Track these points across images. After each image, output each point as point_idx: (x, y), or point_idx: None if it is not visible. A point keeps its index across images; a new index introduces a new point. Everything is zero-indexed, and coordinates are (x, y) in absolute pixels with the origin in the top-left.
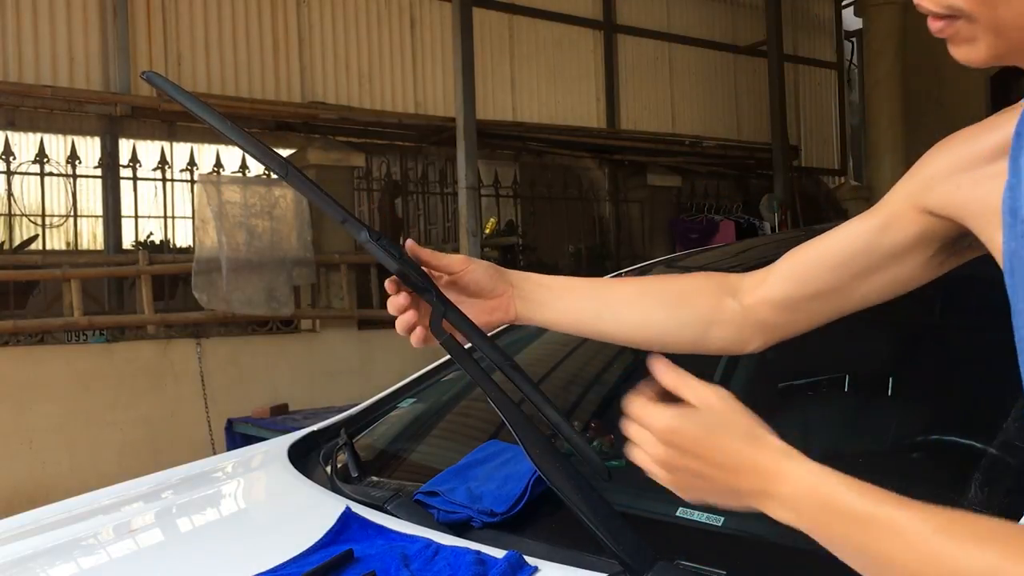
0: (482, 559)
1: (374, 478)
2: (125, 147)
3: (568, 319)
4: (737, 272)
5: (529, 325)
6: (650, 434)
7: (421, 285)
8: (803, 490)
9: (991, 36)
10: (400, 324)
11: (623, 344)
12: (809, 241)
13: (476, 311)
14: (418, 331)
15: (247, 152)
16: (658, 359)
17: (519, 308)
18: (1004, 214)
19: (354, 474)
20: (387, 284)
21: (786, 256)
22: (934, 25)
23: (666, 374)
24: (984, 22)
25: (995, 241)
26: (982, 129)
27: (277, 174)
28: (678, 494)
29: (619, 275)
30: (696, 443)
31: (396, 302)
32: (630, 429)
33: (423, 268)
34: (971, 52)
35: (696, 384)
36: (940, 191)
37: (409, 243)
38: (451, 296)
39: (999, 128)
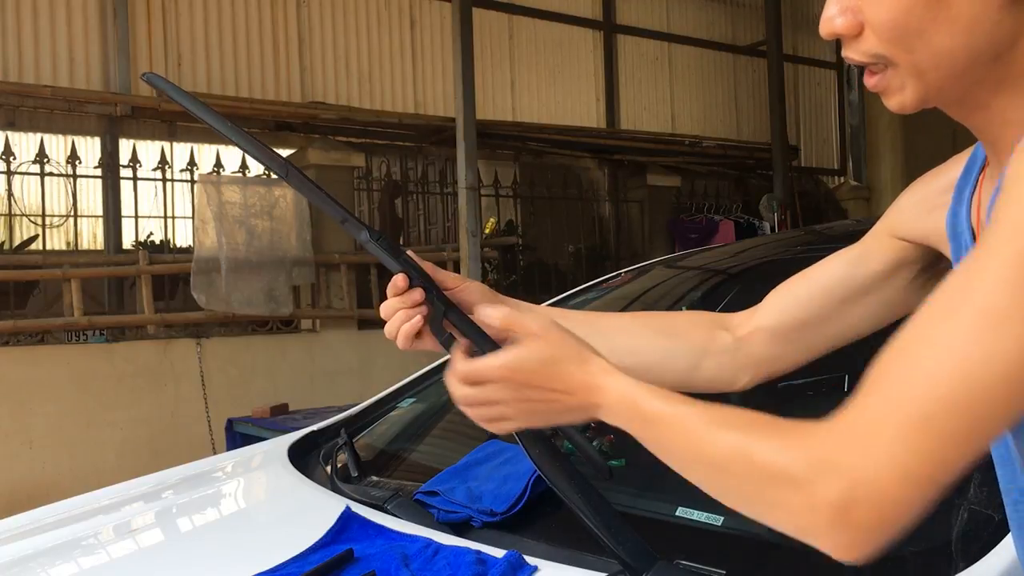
0: (482, 559)
1: (374, 478)
2: (125, 147)
3: None
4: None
5: None
6: (480, 384)
7: (422, 285)
8: (619, 398)
9: (914, 79)
10: (399, 316)
11: None
12: (796, 274)
13: None
14: (406, 328)
15: (247, 152)
16: (484, 305)
17: None
18: (948, 236)
19: (354, 474)
20: (398, 278)
21: (774, 290)
22: (869, 81)
23: (494, 314)
24: (905, 66)
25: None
26: (944, 167)
27: (277, 174)
28: (511, 427)
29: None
30: (534, 374)
31: (412, 297)
32: (456, 388)
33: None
34: (902, 99)
35: (525, 319)
36: (909, 221)
37: (408, 253)
38: None
39: (956, 165)
